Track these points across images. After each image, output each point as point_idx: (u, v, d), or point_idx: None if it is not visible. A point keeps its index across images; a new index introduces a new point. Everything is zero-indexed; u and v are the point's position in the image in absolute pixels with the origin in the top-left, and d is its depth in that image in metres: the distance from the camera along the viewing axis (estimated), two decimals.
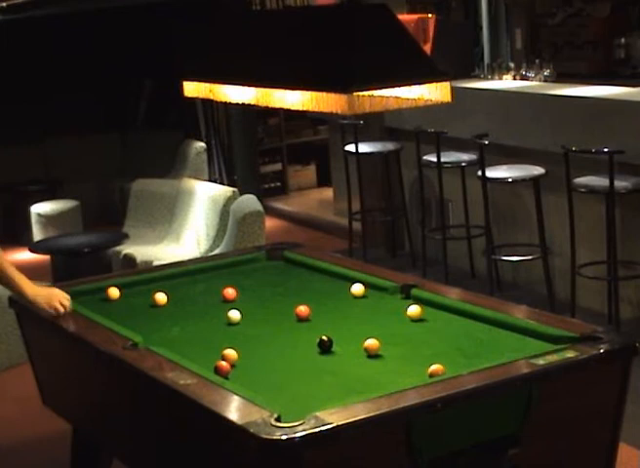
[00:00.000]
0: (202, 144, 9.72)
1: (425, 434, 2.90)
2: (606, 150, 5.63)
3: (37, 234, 8.28)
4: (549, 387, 3.10)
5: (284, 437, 2.71)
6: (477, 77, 7.47)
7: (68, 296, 4.00)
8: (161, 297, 4.21)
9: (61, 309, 3.93)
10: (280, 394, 3.16)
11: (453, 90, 3.46)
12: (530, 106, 6.52)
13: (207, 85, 3.96)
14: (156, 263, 6.32)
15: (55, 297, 3.95)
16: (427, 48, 7.33)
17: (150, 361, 3.42)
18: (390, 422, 2.88)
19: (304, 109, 3.50)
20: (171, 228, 7.41)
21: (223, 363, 3.34)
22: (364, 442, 2.83)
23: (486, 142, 6.36)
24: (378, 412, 2.85)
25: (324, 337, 3.54)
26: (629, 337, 3.37)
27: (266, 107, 3.83)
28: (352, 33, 3.43)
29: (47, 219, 8.33)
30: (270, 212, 9.40)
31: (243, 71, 3.78)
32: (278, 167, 10.65)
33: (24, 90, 10.02)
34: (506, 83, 7.15)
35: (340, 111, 3.32)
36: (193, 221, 7.14)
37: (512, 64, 7.41)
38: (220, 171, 10.01)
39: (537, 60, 7.29)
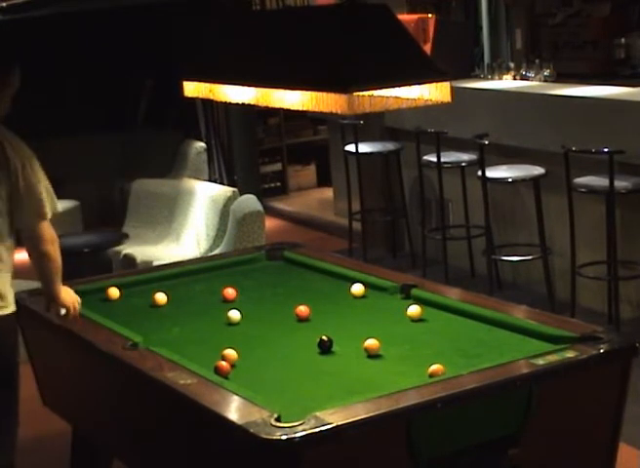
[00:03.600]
0: (202, 144, 9.70)
1: (425, 434, 2.90)
2: (606, 150, 5.63)
3: None
4: (549, 387, 3.10)
5: (284, 437, 2.71)
6: (477, 77, 7.47)
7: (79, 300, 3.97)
8: (161, 297, 4.21)
9: (72, 311, 3.90)
10: (280, 394, 3.16)
11: (453, 90, 3.46)
12: (530, 106, 6.52)
13: (207, 85, 3.95)
14: (156, 263, 6.32)
15: (75, 300, 3.93)
16: (427, 48, 7.33)
17: (150, 361, 3.42)
18: (390, 422, 2.88)
19: (304, 109, 3.49)
20: (171, 228, 7.40)
21: (223, 363, 3.34)
22: (364, 442, 2.83)
23: (486, 142, 6.36)
24: (378, 412, 2.85)
25: (324, 337, 3.54)
26: (629, 337, 3.38)
27: (266, 107, 3.83)
28: (352, 33, 3.43)
29: None
30: (270, 212, 9.39)
31: (243, 71, 3.78)
32: (278, 167, 10.64)
33: (24, 90, 9.99)
34: (506, 83, 7.15)
35: (340, 111, 3.32)
36: (193, 221, 7.13)
37: (512, 64, 7.41)
38: (220, 171, 9.98)
39: (537, 60, 7.29)
